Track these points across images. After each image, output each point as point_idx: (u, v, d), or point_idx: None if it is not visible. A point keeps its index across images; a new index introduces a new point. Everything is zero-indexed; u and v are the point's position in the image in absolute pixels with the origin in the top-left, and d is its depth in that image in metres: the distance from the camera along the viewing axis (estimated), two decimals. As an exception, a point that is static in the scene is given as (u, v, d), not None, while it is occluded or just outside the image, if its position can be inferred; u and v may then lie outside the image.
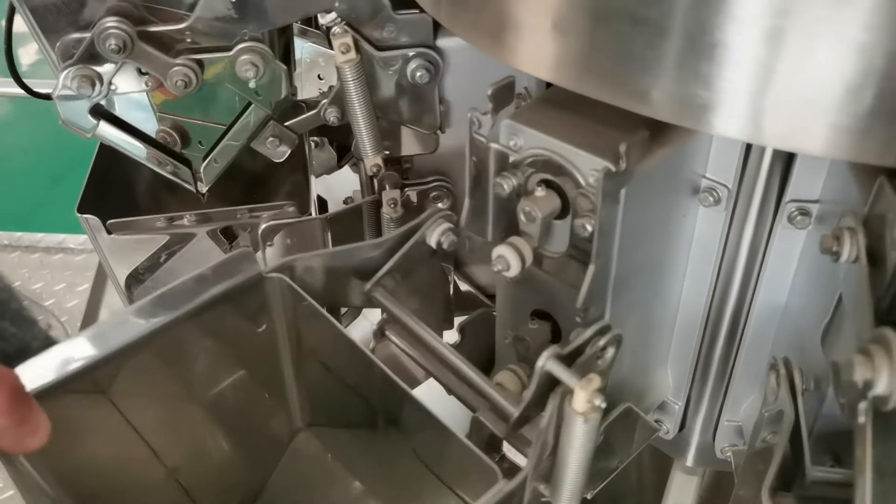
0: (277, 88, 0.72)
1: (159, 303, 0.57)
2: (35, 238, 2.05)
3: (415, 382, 0.68)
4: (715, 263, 0.64)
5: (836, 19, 0.41)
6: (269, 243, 0.78)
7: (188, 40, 0.68)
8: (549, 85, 0.71)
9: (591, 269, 0.55)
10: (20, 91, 0.85)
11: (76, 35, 0.66)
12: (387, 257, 0.65)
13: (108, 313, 1.63)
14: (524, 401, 0.51)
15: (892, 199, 0.45)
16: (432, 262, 0.69)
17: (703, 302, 0.67)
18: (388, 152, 0.77)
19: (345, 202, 0.91)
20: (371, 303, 0.64)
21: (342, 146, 0.98)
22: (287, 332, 0.64)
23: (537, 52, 0.54)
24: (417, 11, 0.70)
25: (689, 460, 0.78)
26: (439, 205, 0.80)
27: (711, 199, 0.61)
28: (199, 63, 0.68)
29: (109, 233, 0.79)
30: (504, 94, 0.59)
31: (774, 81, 0.44)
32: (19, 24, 0.70)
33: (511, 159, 0.59)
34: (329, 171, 1.00)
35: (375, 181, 0.80)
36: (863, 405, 0.38)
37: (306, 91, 0.80)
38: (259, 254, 0.81)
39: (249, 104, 0.73)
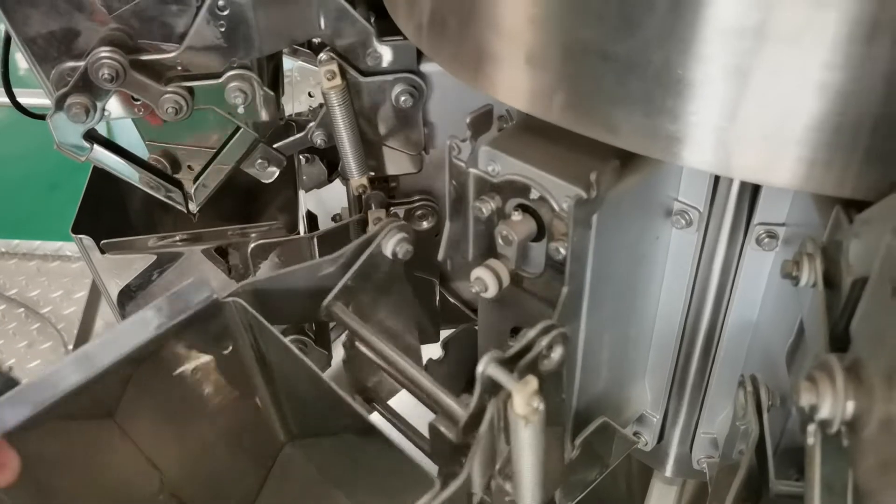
0: (266, 114, 0.74)
1: (116, 337, 0.57)
2: (32, 245, 2.06)
3: (391, 392, 0.69)
4: (689, 282, 0.66)
5: (796, 59, 0.43)
6: (259, 261, 0.80)
7: (179, 68, 0.70)
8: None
9: (565, 290, 0.57)
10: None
11: (70, 64, 0.68)
12: (343, 271, 0.64)
13: (104, 324, 1.65)
14: (471, 405, 0.51)
15: (847, 228, 0.48)
16: (405, 276, 0.69)
17: (678, 319, 0.69)
18: (373, 172, 0.79)
19: (333, 219, 0.93)
20: (330, 318, 0.64)
21: (332, 162, 1.00)
22: (252, 352, 0.65)
23: (513, 84, 0.56)
24: (402, 38, 0.73)
25: (668, 471, 0.80)
26: (425, 223, 0.83)
27: (683, 221, 0.63)
28: (190, 90, 0.70)
29: (103, 252, 0.81)
30: (482, 122, 0.61)
31: (739, 117, 0.47)
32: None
33: (489, 184, 0.61)
34: (319, 185, 1.02)
35: (362, 200, 0.82)
36: (811, 427, 0.40)
37: (296, 107, 0.82)
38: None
39: (238, 128, 0.75)
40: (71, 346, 1.74)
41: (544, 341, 0.51)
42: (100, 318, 1.66)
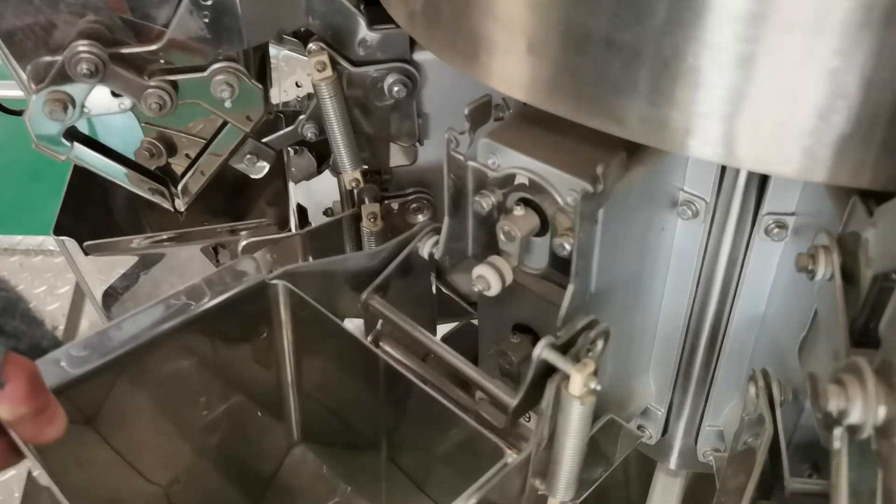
0: (253, 107, 0.71)
1: (161, 309, 0.58)
2: (14, 241, 2.02)
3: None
4: (694, 274, 0.65)
5: (806, 45, 0.42)
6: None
7: (161, 61, 0.67)
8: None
9: (571, 287, 0.55)
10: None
11: (47, 58, 0.65)
12: (380, 267, 0.66)
13: (89, 323, 1.62)
14: (521, 390, 0.53)
15: (865, 219, 0.46)
16: (420, 273, 0.70)
17: (683, 311, 0.67)
18: (366, 166, 0.76)
19: (325, 213, 0.91)
20: (368, 311, 0.65)
21: (321, 154, 0.97)
22: (288, 339, 0.65)
23: (512, 73, 0.54)
24: (393, 26, 0.70)
25: (672, 464, 0.79)
26: (420, 217, 0.80)
27: (690, 212, 0.61)
28: (174, 84, 0.67)
29: (87, 254, 0.78)
30: (481, 113, 0.59)
31: (747, 106, 0.45)
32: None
33: (489, 177, 0.59)
34: (309, 177, 0.99)
35: (355, 194, 0.80)
36: (838, 432, 0.38)
37: (284, 97, 0.79)
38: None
39: (225, 123, 0.73)
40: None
41: (591, 334, 0.52)
42: (85, 319, 1.63)
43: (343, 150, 0.73)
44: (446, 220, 0.62)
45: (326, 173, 1.02)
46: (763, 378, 0.58)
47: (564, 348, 0.52)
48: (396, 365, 0.58)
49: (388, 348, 0.67)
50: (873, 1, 0.39)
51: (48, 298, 1.90)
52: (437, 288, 0.89)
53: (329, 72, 0.69)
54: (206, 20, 0.65)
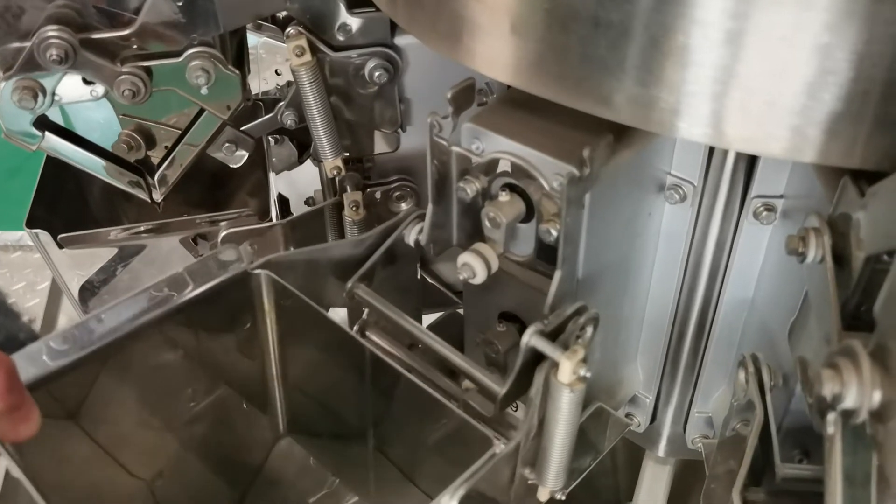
0: (231, 94, 0.69)
1: (143, 300, 0.56)
2: (-9, 236, 1.99)
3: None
4: (682, 259, 0.64)
5: (795, 21, 0.41)
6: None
7: (134, 47, 0.65)
8: (510, 82, 0.70)
9: (558, 274, 0.54)
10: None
11: (16, 45, 0.63)
12: (366, 255, 0.65)
13: (67, 319, 1.60)
14: (510, 378, 0.53)
15: (856, 200, 0.45)
16: (406, 261, 0.68)
17: (671, 297, 0.67)
18: (347, 153, 0.75)
19: (306, 203, 0.89)
20: (353, 300, 0.63)
21: (302, 142, 0.96)
22: (272, 329, 0.64)
23: (496, 55, 0.52)
24: (374, 10, 0.68)
25: (661, 451, 0.79)
26: (403, 205, 0.79)
27: (677, 196, 0.60)
28: (147, 71, 0.65)
29: (61, 247, 0.76)
30: (464, 97, 0.58)
31: (736, 84, 0.44)
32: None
33: (474, 163, 0.58)
34: (290, 167, 0.98)
35: (336, 182, 0.78)
36: (832, 416, 0.37)
37: (263, 85, 0.77)
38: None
39: (202, 110, 0.71)
40: (37, 340, 1.68)
41: (580, 320, 0.51)
42: (63, 314, 1.61)
43: (323, 138, 0.71)
44: (430, 206, 0.61)
45: (308, 163, 1.00)
46: (753, 363, 0.57)
47: (553, 335, 0.51)
48: (382, 355, 0.57)
49: (373, 337, 0.66)
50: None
51: (28, 294, 1.87)
52: (422, 277, 0.88)
53: (308, 57, 0.67)
54: (180, 3, 0.63)
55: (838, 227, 0.47)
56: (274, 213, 0.82)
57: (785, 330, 0.57)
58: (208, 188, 1.03)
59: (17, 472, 0.45)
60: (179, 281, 0.58)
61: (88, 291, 0.81)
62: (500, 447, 0.50)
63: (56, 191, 0.82)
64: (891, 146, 0.43)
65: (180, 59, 0.65)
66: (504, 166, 0.56)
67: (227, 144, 0.74)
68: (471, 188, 0.58)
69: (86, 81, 0.66)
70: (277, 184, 0.97)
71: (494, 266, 0.58)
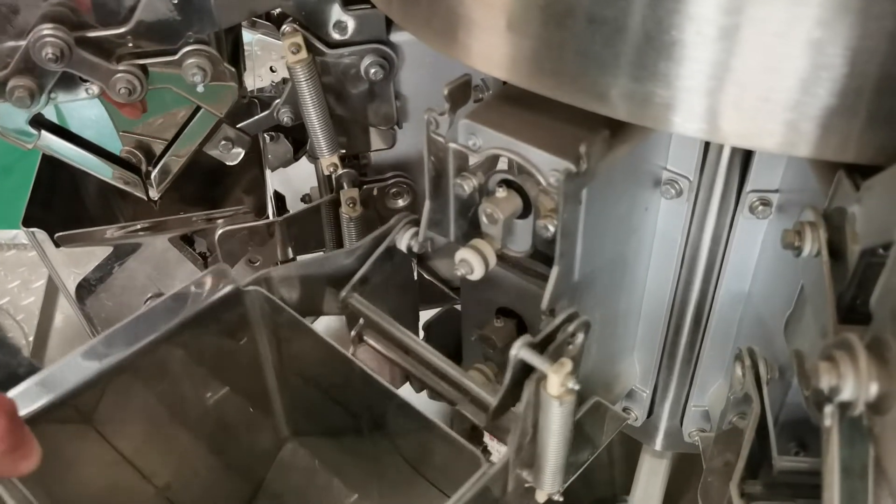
0: (227, 91, 0.69)
1: (138, 324, 0.57)
2: (-14, 236, 1.98)
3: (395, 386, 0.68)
4: (678, 254, 0.64)
5: (788, 16, 0.41)
6: (227, 248, 0.76)
7: (130, 45, 0.65)
8: (506, 78, 0.70)
9: (555, 269, 0.55)
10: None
11: (10, 43, 0.63)
12: (359, 264, 0.65)
13: (64, 317, 1.59)
14: (501, 390, 0.53)
15: (851, 194, 0.45)
16: (402, 261, 0.69)
17: (667, 292, 0.67)
18: (344, 150, 0.75)
19: (302, 200, 0.89)
20: (347, 309, 0.64)
21: (298, 140, 0.96)
22: (268, 343, 0.64)
23: (492, 51, 0.53)
24: (369, 7, 0.68)
25: (658, 445, 0.79)
26: (400, 201, 0.79)
27: (673, 191, 0.60)
28: (143, 69, 0.65)
29: (58, 245, 0.76)
30: (461, 93, 0.58)
31: (731, 79, 0.44)
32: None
33: (470, 159, 0.58)
34: (286, 164, 0.98)
35: (333, 179, 0.78)
36: (829, 409, 0.38)
37: (259, 83, 0.77)
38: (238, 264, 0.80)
39: (198, 108, 0.71)
40: (31, 338, 1.67)
41: (570, 328, 0.51)
42: (59, 312, 1.60)
43: (320, 135, 0.71)
44: (427, 203, 0.61)
45: (303, 160, 1.00)
46: (749, 356, 0.58)
47: (543, 344, 0.51)
48: (371, 372, 0.57)
49: (371, 342, 0.66)
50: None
51: (22, 293, 1.86)
52: (419, 273, 0.88)
53: (304, 54, 0.67)
54: (176, 1, 0.63)
55: (834, 220, 0.48)
56: (270, 210, 0.82)
57: (781, 323, 0.57)
58: (204, 186, 1.03)
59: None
60: (172, 303, 0.59)
61: (85, 289, 0.81)
62: (488, 466, 0.50)
63: (52, 189, 0.82)
64: (885, 141, 0.44)
65: (176, 56, 0.65)
66: (501, 162, 0.56)
67: (223, 142, 0.74)
68: (468, 184, 0.58)
69: (82, 80, 0.66)
70: (273, 181, 0.97)
71: (492, 262, 0.58)
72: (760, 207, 0.59)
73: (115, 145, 0.75)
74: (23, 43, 0.62)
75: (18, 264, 1.93)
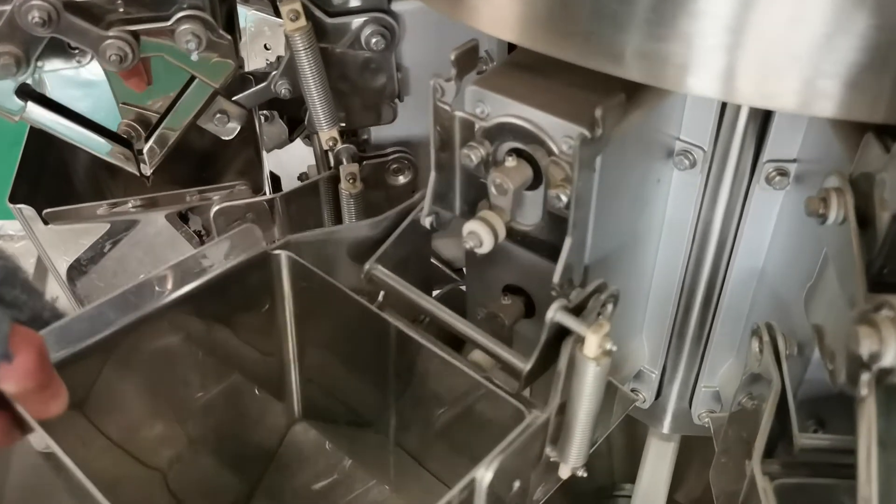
0: (223, 60, 0.67)
1: (161, 282, 0.55)
2: (-29, 227, 1.94)
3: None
4: (690, 228, 0.62)
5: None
6: (222, 226, 0.73)
7: (120, 10, 0.62)
8: (512, 48, 0.68)
9: (568, 241, 0.52)
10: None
11: (-5, 8, 0.60)
12: (381, 237, 0.63)
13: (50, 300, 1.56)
14: (534, 354, 0.52)
15: (881, 157, 0.43)
16: (419, 239, 0.67)
17: (678, 268, 0.65)
18: (343, 124, 0.72)
19: (299, 178, 0.86)
20: (371, 282, 0.62)
21: (293, 119, 0.93)
22: (290, 312, 0.63)
23: (501, 13, 0.50)
24: (370, -27, 0.66)
25: (666, 427, 0.77)
26: (401, 178, 0.77)
27: (686, 162, 0.59)
28: (135, 35, 0.63)
29: (46, 223, 0.73)
30: (468, 59, 0.55)
31: (750, 34, 0.42)
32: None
33: (478, 128, 0.55)
34: (280, 145, 0.95)
35: (331, 155, 0.76)
36: (866, 377, 0.36)
37: (252, 63, 0.75)
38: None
39: (193, 79, 0.68)
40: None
41: (602, 297, 0.51)
42: (47, 296, 1.57)
43: (319, 106, 0.69)
44: (432, 175, 0.59)
45: (297, 144, 0.98)
46: (767, 331, 0.56)
47: (575, 313, 0.50)
48: (408, 330, 0.56)
49: (389, 320, 0.64)
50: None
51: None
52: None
53: (302, 21, 0.64)
54: (168, -36, 0.61)
55: (860, 186, 0.46)
56: (267, 188, 0.79)
57: (798, 298, 0.55)
58: (198, 168, 1.01)
59: (54, 447, 0.43)
60: (194, 263, 0.57)
61: (76, 270, 0.78)
62: (533, 417, 0.50)
63: (39, 168, 0.79)
64: (919, 99, 0.42)
65: (169, 22, 0.63)
66: (511, 130, 0.54)
67: (218, 115, 0.72)
68: (475, 154, 0.56)
69: (70, 47, 0.63)
70: (268, 163, 0.94)
71: (502, 234, 0.55)
72: (777, 178, 0.57)
73: (104, 119, 0.73)
74: (8, 7, 0.59)
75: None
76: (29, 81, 0.65)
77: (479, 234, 0.55)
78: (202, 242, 0.77)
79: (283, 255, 0.59)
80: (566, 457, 0.52)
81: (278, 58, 0.72)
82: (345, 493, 0.67)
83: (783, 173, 0.57)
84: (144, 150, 0.72)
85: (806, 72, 0.42)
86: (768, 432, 0.51)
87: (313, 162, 0.87)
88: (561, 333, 0.50)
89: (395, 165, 0.77)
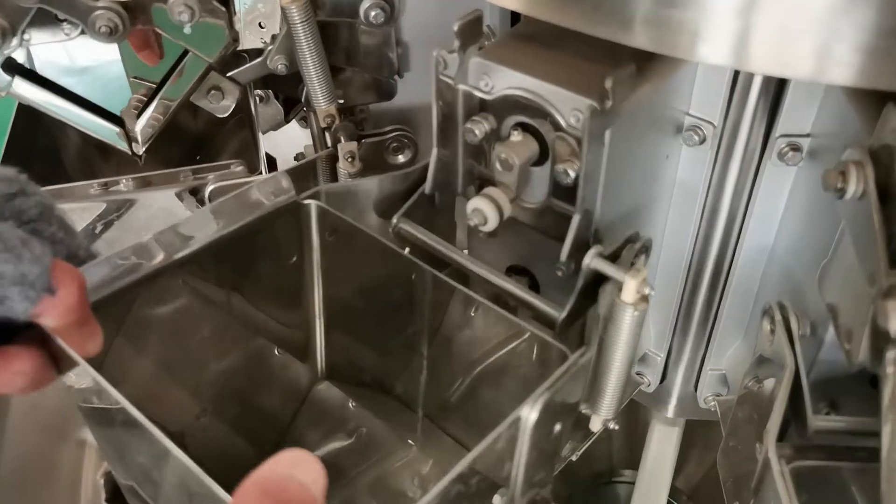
0: (217, 33, 0.65)
1: (184, 228, 0.53)
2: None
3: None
4: (699, 206, 0.61)
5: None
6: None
7: (110, -20, 0.60)
8: (514, 21, 0.67)
9: (576, 217, 0.51)
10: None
11: (-21, -22, 0.58)
12: (407, 190, 0.62)
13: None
14: (570, 301, 0.52)
15: (903, 127, 0.42)
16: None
17: (686, 247, 0.64)
18: (342, 101, 0.70)
19: (296, 159, 0.85)
20: (399, 236, 0.60)
21: (289, 99, 0.91)
22: (318, 264, 0.62)
23: (506, -20, 0.48)
24: (369, -57, 0.64)
25: (671, 412, 0.76)
26: (400, 157, 0.75)
27: (696, 137, 0.57)
28: (125, 6, 0.60)
29: (37, 202, 0.71)
30: (472, 30, 0.54)
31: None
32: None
33: (482, 102, 0.54)
34: (276, 126, 0.94)
35: (329, 134, 0.74)
36: (892, 354, 0.34)
37: (248, 42, 0.73)
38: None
39: (186, 53, 0.66)
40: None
41: (636, 246, 0.52)
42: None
43: (316, 82, 0.67)
44: (434, 151, 0.57)
45: (292, 126, 0.96)
46: (780, 311, 0.54)
47: (611, 260, 0.51)
48: (443, 276, 0.55)
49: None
50: None
51: None
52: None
53: (299, -7, 0.62)
54: (159, -69, 0.58)
55: (881, 159, 0.44)
56: (263, 168, 0.77)
57: (811, 277, 0.54)
58: (192, 150, 0.99)
59: (100, 380, 0.42)
60: (228, 206, 0.55)
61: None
62: (578, 355, 0.49)
63: (28, 147, 0.77)
64: (944, 66, 0.40)
65: (161, -7, 0.61)
66: (517, 103, 0.52)
67: (212, 91, 0.69)
68: (479, 129, 0.54)
69: (58, 19, 0.61)
70: (264, 145, 0.92)
71: (507, 211, 0.54)
72: (790, 153, 0.55)
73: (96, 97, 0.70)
74: (-7, -23, 0.57)
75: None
76: (15, 55, 0.63)
77: (484, 212, 0.53)
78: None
79: (314, 205, 0.58)
80: (598, 407, 0.53)
81: (273, 36, 0.70)
82: (370, 452, 0.65)
83: (796, 148, 0.55)
84: (137, 129, 0.70)
85: (825, 36, 0.40)
86: (781, 415, 0.50)
87: (310, 143, 0.85)
88: (593, 283, 0.50)
89: (394, 144, 0.75)
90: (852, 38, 0.40)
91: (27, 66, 0.67)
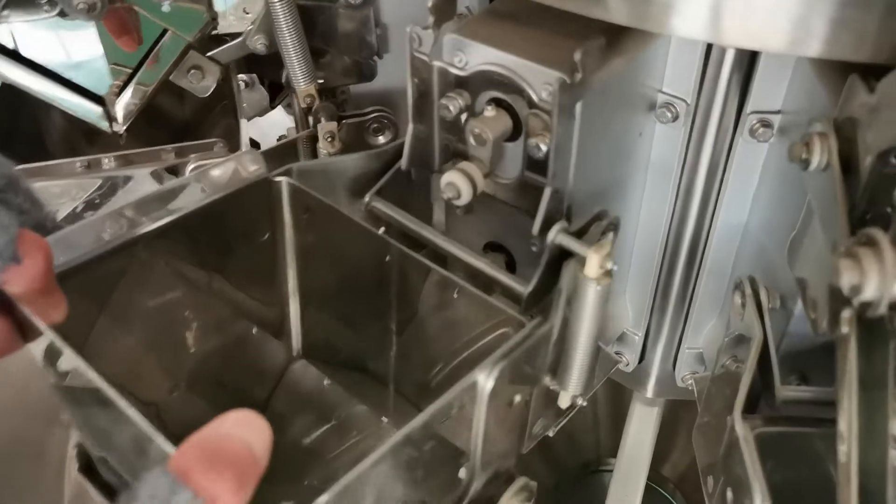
0: (196, 12, 0.65)
1: (155, 202, 0.52)
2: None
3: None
4: (673, 184, 0.61)
5: None
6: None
7: (89, -42, 0.60)
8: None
9: (548, 190, 0.51)
10: None
11: (-43, -45, 0.58)
12: (381, 169, 0.62)
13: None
14: (535, 277, 0.52)
15: (865, 99, 0.42)
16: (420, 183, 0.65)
17: (661, 226, 0.64)
18: (322, 81, 0.71)
19: (279, 140, 0.85)
20: (371, 215, 0.61)
21: (274, 84, 0.92)
22: (291, 242, 0.61)
23: (481, -45, 0.49)
24: (347, -79, 0.64)
25: (650, 391, 0.77)
26: (380, 137, 0.75)
27: (669, 114, 0.57)
28: (104, -16, 0.61)
29: (18, 181, 0.71)
30: (446, 7, 0.54)
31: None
32: None
33: (457, 78, 0.54)
34: (262, 112, 0.94)
35: (310, 116, 0.74)
36: (846, 314, 0.35)
37: (233, 27, 0.73)
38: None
39: (164, 32, 0.66)
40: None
41: (603, 223, 0.51)
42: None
43: (295, 61, 0.67)
44: (410, 127, 0.58)
45: (278, 113, 0.96)
46: (750, 284, 0.55)
47: (577, 236, 0.51)
48: (411, 252, 0.55)
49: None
50: None
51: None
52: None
53: (278, -28, 0.63)
54: None
55: (844, 131, 0.45)
56: (244, 147, 0.78)
57: (782, 252, 0.54)
58: (177, 136, 0.99)
59: (64, 347, 0.42)
60: (196, 181, 0.54)
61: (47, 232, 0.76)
62: (535, 323, 0.49)
63: (10, 128, 0.77)
64: (904, 35, 0.41)
65: (139, -28, 0.61)
66: (490, 78, 0.53)
67: (192, 71, 0.70)
68: (453, 105, 0.54)
69: (38, -3, 0.61)
70: (249, 131, 0.93)
71: (480, 185, 0.54)
72: (761, 130, 0.56)
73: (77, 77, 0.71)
74: (-29, -46, 0.57)
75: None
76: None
77: (458, 185, 0.53)
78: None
79: (285, 182, 0.58)
80: (566, 383, 0.53)
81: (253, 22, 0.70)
82: (346, 430, 0.66)
83: (767, 125, 0.56)
84: (117, 108, 0.70)
85: (793, 10, 0.41)
86: (749, 385, 0.51)
87: (293, 125, 0.86)
88: (560, 258, 0.50)
89: (374, 125, 0.75)
90: (820, 9, 0.41)
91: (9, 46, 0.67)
